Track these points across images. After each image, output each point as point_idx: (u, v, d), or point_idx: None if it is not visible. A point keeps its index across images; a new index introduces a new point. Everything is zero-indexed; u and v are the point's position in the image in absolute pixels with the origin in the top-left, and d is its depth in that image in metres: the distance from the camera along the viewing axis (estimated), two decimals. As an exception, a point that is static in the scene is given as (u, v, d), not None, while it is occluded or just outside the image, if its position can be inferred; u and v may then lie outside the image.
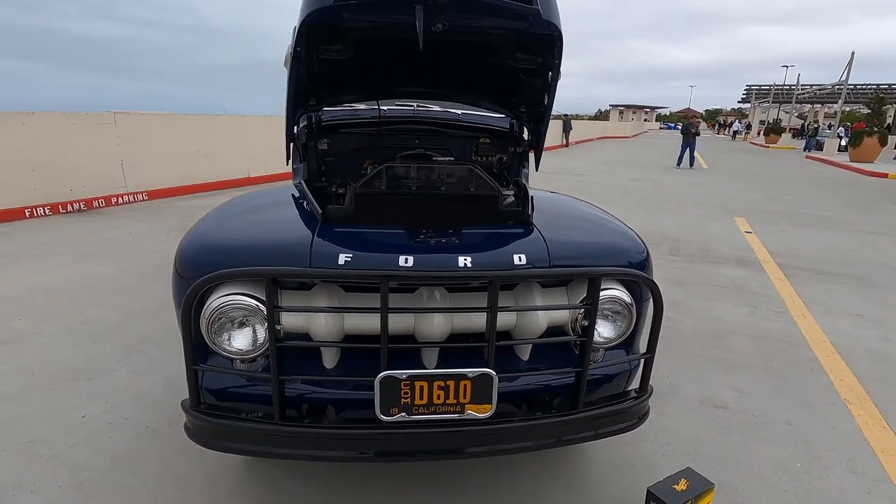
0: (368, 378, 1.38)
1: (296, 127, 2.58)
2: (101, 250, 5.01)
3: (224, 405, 1.55)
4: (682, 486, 1.66)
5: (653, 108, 78.30)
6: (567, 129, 24.42)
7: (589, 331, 1.51)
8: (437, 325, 1.53)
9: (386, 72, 2.41)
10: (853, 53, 22.93)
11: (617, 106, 66.15)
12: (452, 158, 2.54)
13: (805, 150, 26.30)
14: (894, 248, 5.94)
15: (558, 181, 11.00)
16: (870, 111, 23.52)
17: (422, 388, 1.39)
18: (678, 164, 15.95)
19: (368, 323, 1.52)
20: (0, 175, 6.14)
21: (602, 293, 1.54)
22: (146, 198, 7.83)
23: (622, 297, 1.61)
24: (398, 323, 1.53)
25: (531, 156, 2.77)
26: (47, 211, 6.55)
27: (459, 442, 1.49)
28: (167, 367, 2.75)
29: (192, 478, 1.96)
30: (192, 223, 1.83)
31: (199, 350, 1.47)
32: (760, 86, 50.27)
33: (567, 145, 24.86)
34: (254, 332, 1.48)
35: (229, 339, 1.48)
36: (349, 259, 1.49)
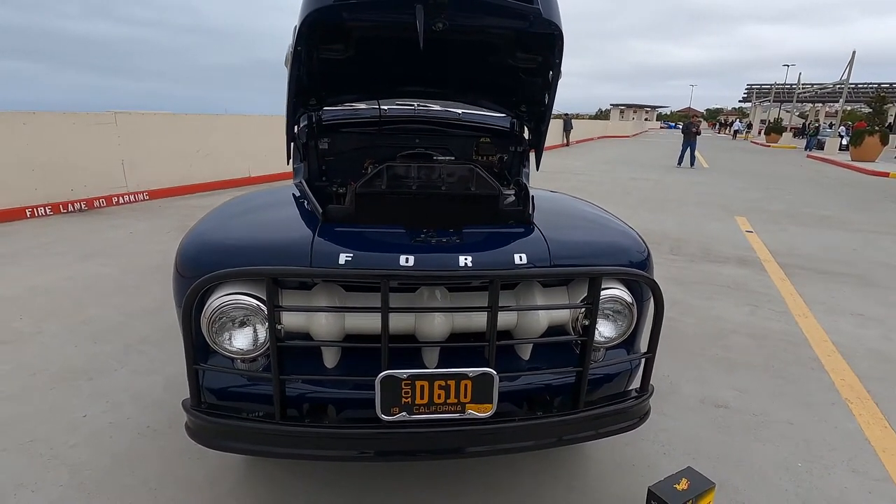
0: (369, 378, 1.38)
1: (296, 126, 2.58)
2: (102, 250, 5.01)
3: (225, 405, 1.55)
4: (682, 485, 1.66)
5: (653, 108, 78.27)
6: (568, 128, 24.42)
7: (590, 330, 1.50)
8: (437, 325, 1.53)
9: (386, 71, 2.41)
10: (854, 52, 22.91)
11: (617, 105, 66.11)
12: (453, 158, 2.53)
13: (806, 149, 26.27)
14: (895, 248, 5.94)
15: (559, 180, 10.99)
16: (871, 110, 23.49)
17: (422, 387, 1.39)
18: (679, 163, 15.94)
19: (369, 322, 1.52)
20: (1, 175, 6.14)
21: (603, 293, 1.54)
22: (147, 197, 7.83)
23: (623, 297, 1.61)
24: (399, 322, 1.53)
25: (532, 155, 2.77)
26: (48, 211, 6.55)
27: (460, 441, 1.49)
28: (167, 366, 2.75)
29: (193, 477, 1.96)
30: (192, 223, 1.83)
31: (199, 350, 1.47)
32: (761, 85, 50.26)
33: (568, 145, 24.86)
34: (254, 331, 1.48)
35: (230, 338, 1.48)
36: (350, 259, 1.49)
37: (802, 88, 37.51)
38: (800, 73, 37.09)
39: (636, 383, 1.75)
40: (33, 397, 2.47)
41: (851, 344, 3.29)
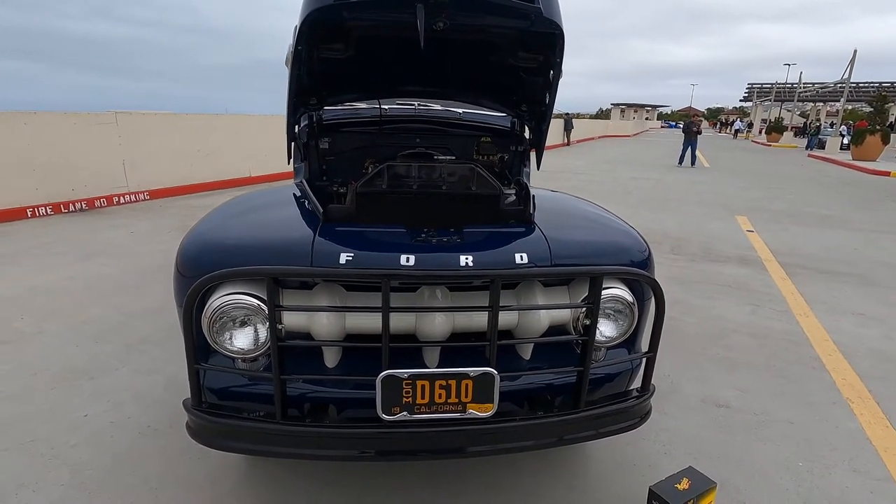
0: (370, 377, 1.38)
1: (297, 126, 2.58)
2: (103, 250, 5.01)
3: (226, 404, 1.55)
4: (684, 485, 1.66)
5: (654, 107, 78.20)
6: (568, 127, 24.40)
7: (591, 330, 1.50)
8: (438, 325, 1.52)
9: (387, 71, 2.41)
10: (855, 51, 22.88)
11: (618, 105, 66.08)
12: (454, 157, 2.53)
13: (807, 148, 26.23)
14: (897, 247, 5.93)
15: (560, 180, 10.99)
16: (872, 109, 23.43)
17: (423, 387, 1.39)
18: (680, 162, 15.93)
19: (370, 322, 1.52)
20: (2, 175, 6.15)
21: (604, 292, 1.54)
22: (148, 197, 7.84)
23: (624, 296, 1.61)
24: (400, 322, 1.53)
25: (532, 155, 2.77)
26: (49, 210, 6.56)
27: (461, 441, 1.49)
28: (168, 366, 2.75)
29: (194, 477, 1.96)
30: (193, 223, 1.83)
31: (200, 349, 1.47)
32: (762, 84, 50.22)
33: (568, 144, 24.84)
34: (255, 331, 1.48)
35: (231, 338, 1.48)
36: (350, 258, 1.49)
37: (803, 88, 37.46)
38: (801, 73, 37.09)
39: (637, 383, 1.75)
40: (34, 397, 2.47)
41: (853, 343, 3.28)
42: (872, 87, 36.89)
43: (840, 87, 26.23)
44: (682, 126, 17.51)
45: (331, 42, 1.98)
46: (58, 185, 6.70)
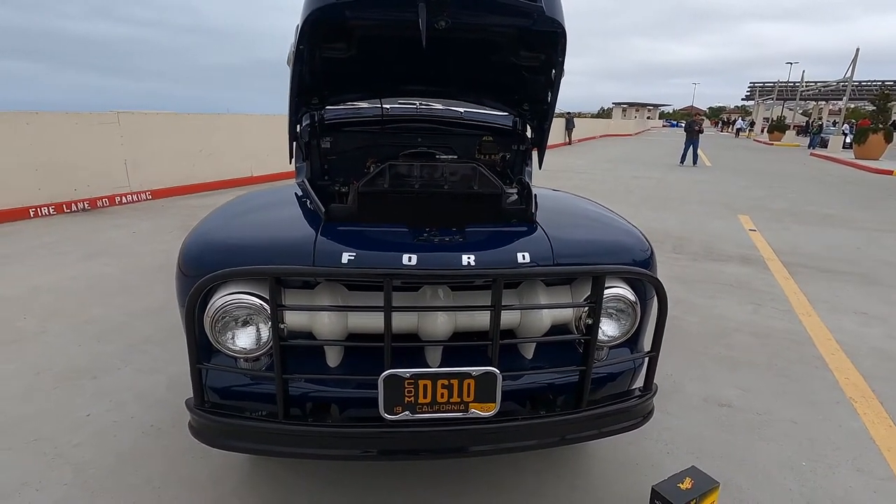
0: (372, 377, 1.38)
1: (298, 126, 2.58)
2: (105, 250, 5.02)
3: (228, 404, 1.55)
4: (686, 484, 1.66)
5: (656, 106, 78.02)
6: (570, 127, 24.39)
7: (593, 329, 1.50)
8: (440, 324, 1.52)
9: (389, 70, 2.40)
10: (857, 50, 22.82)
11: (620, 104, 65.96)
12: (455, 157, 2.53)
13: (809, 147, 26.16)
14: (899, 246, 5.91)
15: (561, 179, 10.98)
16: (875, 108, 23.38)
17: (425, 386, 1.39)
18: (681, 161, 15.90)
19: (372, 321, 1.52)
20: (4, 175, 6.16)
21: (606, 291, 1.53)
22: (150, 197, 7.85)
23: (626, 296, 1.60)
24: (402, 321, 1.53)
25: (534, 154, 2.77)
26: (51, 210, 6.57)
27: (463, 440, 1.48)
28: (170, 366, 2.76)
29: (196, 476, 1.96)
30: (195, 223, 1.83)
31: (203, 349, 1.47)
32: (764, 83, 50.13)
33: (570, 143, 24.82)
34: (257, 330, 1.49)
35: (233, 337, 1.48)
36: (352, 258, 1.49)
37: (806, 86, 37.38)
38: (803, 71, 36.99)
39: (639, 382, 1.74)
40: (37, 396, 2.47)
41: (855, 342, 3.27)
42: (875, 85, 36.81)
43: (843, 86, 26.17)
44: (683, 125, 17.49)
45: (332, 41, 1.98)
46: (60, 185, 6.71)
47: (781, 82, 44.84)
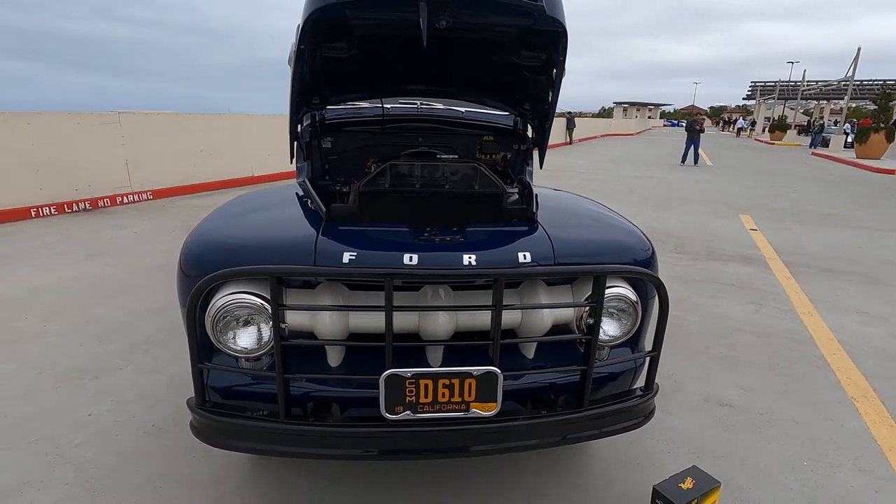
0: (373, 376, 1.38)
1: (299, 125, 2.58)
2: (107, 250, 5.03)
3: (229, 403, 1.55)
4: (687, 484, 1.66)
5: (657, 106, 77.87)
6: (571, 126, 24.37)
7: (594, 329, 1.50)
8: (441, 324, 1.52)
9: (390, 70, 2.41)
10: (859, 49, 22.77)
11: (621, 103, 65.87)
12: (456, 156, 2.53)
13: (811, 146, 26.12)
14: (901, 245, 5.90)
15: (562, 179, 10.97)
16: (876, 107, 23.30)
17: (427, 386, 1.39)
18: (682, 161, 15.89)
19: (373, 321, 1.52)
20: (5, 175, 6.17)
21: (607, 291, 1.53)
22: (151, 197, 7.86)
23: (627, 295, 1.60)
24: (403, 321, 1.53)
25: (535, 153, 2.77)
26: (53, 210, 6.58)
27: (464, 440, 1.48)
28: (171, 366, 2.76)
29: (198, 476, 1.96)
30: (196, 223, 1.83)
31: (204, 349, 1.47)
32: (766, 82, 50.02)
33: (571, 143, 24.80)
34: (259, 330, 1.49)
35: (234, 337, 1.48)
36: (353, 257, 1.49)
37: (807, 86, 37.32)
38: (804, 71, 36.99)
39: (641, 382, 1.74)
40: (39, 396, 2.48)
41: (857, 342, 3.27)
42: (876, 84, 36.71)
43: (844, 85, 26.12)
44: (684, 124, 17.47)
45: (334, 41, 1.98)
46: (61, 185, 6.72)
47: (783, 82, 44.80)
